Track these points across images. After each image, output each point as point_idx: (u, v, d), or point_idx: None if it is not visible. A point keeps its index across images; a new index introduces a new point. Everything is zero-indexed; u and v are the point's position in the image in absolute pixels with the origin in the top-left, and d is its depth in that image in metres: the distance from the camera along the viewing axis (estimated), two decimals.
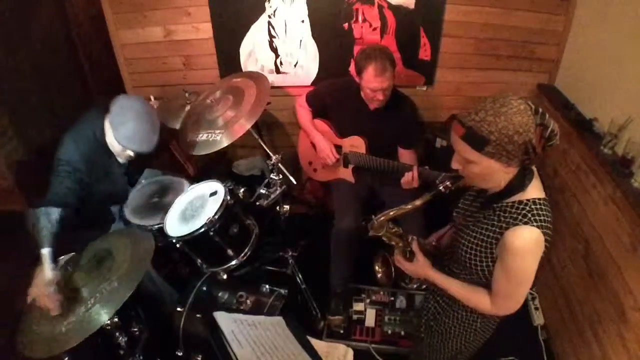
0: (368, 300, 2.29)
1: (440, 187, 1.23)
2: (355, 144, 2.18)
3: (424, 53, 2.45)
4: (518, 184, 1.06)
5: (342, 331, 2.17)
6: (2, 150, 2.52)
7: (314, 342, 1.41)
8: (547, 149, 1.02)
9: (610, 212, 1.72)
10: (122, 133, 1.56)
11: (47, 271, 1.40)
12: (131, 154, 1.64)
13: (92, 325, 1.30)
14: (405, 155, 2.17)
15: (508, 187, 1.07)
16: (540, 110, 0.99)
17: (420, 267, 1.32)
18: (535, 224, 1.02)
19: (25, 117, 2.71)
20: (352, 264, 2.21)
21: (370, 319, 2.21)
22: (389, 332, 2.15)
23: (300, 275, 2.29)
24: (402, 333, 2.14)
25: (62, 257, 1.58)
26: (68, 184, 1.57)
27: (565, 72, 2.39)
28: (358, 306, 2.26)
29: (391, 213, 1.32)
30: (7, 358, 1.52)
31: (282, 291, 1.81)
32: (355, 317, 2.22)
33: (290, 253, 2.33)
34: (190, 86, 2.49)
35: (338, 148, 2.23)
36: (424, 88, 2.59)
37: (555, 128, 1.00)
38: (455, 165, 1.10)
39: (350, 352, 1.57)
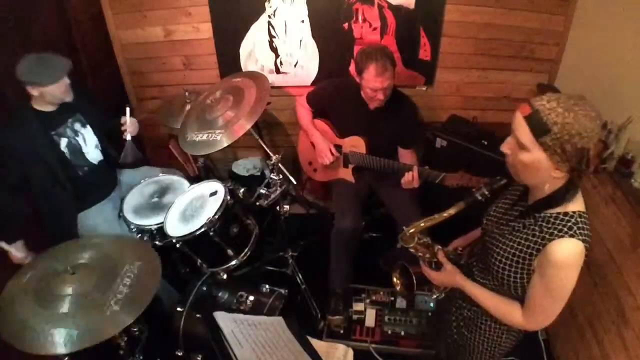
0: (368, 300, 2.29)
1: (477, 195, 1.16)
2: (356, 144, 2.18)
3: (424, 53, 2.45)
4: (564, 194, 1.01)
5: (342, 331, 2.17)
6: None
7: (314, 342, 1.41)
8: (598, 171, 0.98)
9: (610, 212, 1.72)
10: (42, 75, 1.67)
11: None
12: (66, 81, 1.75)
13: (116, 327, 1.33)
14: (405, 155, 2.17)
15: (554, 197, 1.02)
16: (609, 127, 0.96)
17: (449, 275, 1.27)
18: (580, 237, 0.99)
19: None
20: (352, 264, 2.21)
21: (370, 319, 2.21)
22: (389, 332, 2.15)
23: (300, 275, 2.29)
24: (402, 333, 2.14)
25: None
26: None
27: (565, 72, 2.38)
28: (358, 306, 2.26)
29: (422, 224, 1.24)
30: (6, 357, 1.52)
31: (282, 291, 1.81)
32: (355, 317, 2.22)
33: (290, 253, 2.33)
34: (190, 86, 2.49)
35: (338, 148, 2.23)
36: (424, 88, 2.59)
37: (614, 151, 0.97)
38: (505, 148, 1.05)
39: (350, 352, 1.57)
